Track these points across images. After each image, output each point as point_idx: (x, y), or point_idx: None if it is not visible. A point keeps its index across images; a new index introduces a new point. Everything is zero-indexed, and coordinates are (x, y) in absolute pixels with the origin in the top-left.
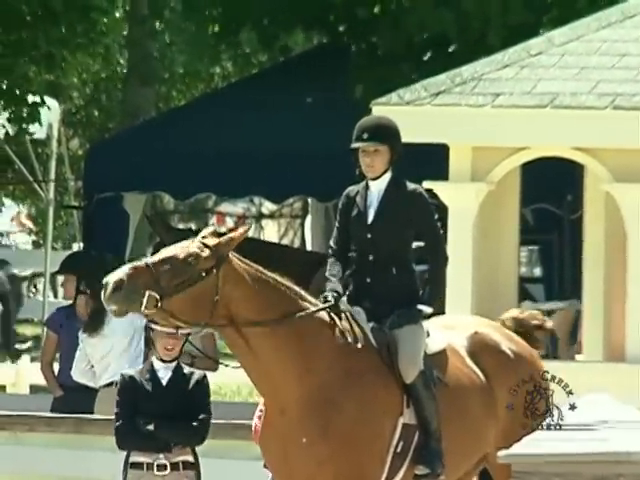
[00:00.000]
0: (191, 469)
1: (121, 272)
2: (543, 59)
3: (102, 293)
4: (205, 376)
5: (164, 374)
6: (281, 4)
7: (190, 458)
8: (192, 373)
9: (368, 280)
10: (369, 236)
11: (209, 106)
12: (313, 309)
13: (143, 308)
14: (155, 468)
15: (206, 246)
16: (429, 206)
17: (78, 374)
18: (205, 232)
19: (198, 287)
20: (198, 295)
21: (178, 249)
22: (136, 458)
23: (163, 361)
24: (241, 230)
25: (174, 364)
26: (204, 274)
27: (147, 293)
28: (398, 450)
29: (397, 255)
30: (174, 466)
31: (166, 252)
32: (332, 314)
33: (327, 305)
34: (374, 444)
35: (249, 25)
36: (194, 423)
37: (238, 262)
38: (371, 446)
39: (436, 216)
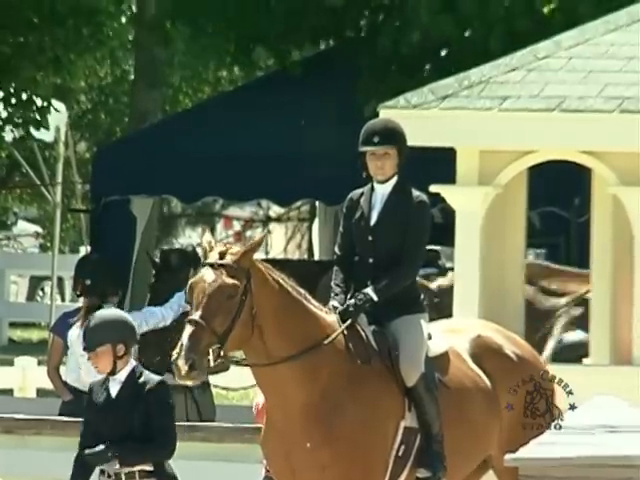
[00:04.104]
0: (148, 477)
1: (186, 347)
2: (550, 62)
3: (175, 371)
4: (161, 382)
5: (114, 386)
6: (290, 21)
7: (147, 467)
8: (146, 380)
9: (368, 283)
10: (370, 238)
11: (216, 110)
12: (336, 334)
13: (212, 364)
14: (110, 475)
15: (231, 267)
16: (425, 218)
17: (72, 378)
18: (208, 245)
19: (243, 313)
20: (244, 320)
21: (213, 287)
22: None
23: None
24: (259, 237)
25: (125, 375)
26: (244, 297)
27: (212, 351)
28: (400, 454)
29: (397, 259)
30: (129, 475)
31: (202, 295)
32: (340, 322)
33: (345, 326)
34: (377, 448)
35: (261, 44)
36: (159, 439)
37: (261, 267)
38: (374, 450)
39: (427, 232)
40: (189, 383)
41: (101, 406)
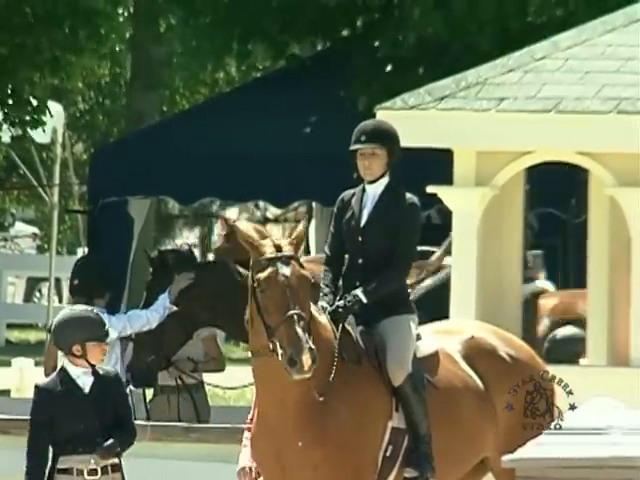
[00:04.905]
0: (117, 471)
1: (305, 341)
2: (547, 63)
3: (294, 366)
4: (118, 373)
5: (85, 381)
6: (287, 14)
7: (117, 460)
8: (107, 372)
9: (357, 284)
10: (360, 239)
11: (213, 111)
12: (338, 345)
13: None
14: (86, 473)
15: (298, 259)
16: (416, 220)
17: None
18: (254, 239)
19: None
20: None
21: (296, 280)
22: (64, 464)
23: (77, 365)
24: (302, 226)
25: (90, 370)
26: None
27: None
28: (388, 454)
29: (386, 260)
30: (104, 470)
31: (289, 289)
32: (332, 324)
33: (340, 331)
34: (367, 448)
35: (257, 36)
36: (129, 428)
37: None
38: (364, 450)
39: (418, 234)
40: (307, 377)
41: (77, 402)
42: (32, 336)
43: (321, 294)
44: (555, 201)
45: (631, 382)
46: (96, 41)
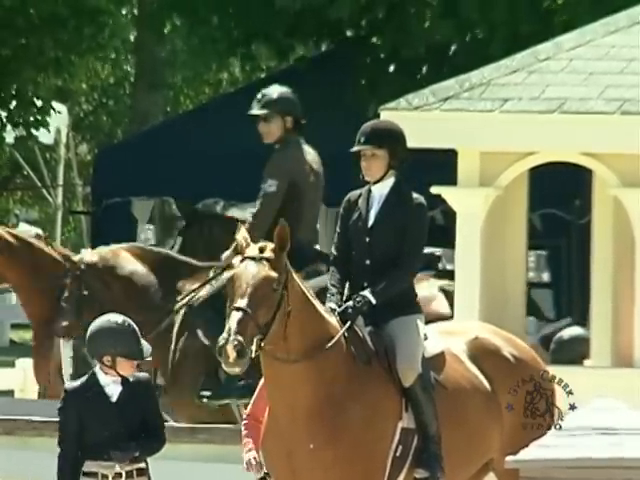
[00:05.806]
0: (143, 475)
1: (235, 332)
2: (551, 64)
3: (221, 357)
4: (149, 378)
5: (113, 389)
6: (291, 16)
7: (142, 465)
8: (137, 379)
9: (365, 285)
10: (367, 240)
11: (217, 111)
12: (338, 336)
13: (253, 355)
14: (110, 478)
15: (274, 261)
16: (423, 220)
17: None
18: (244, 240)
19: (282, 308)
20: (281, 314)
21: (257, 279)
22: (90, 468)
23: (107, 373)
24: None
25: (120, 377)
26: (284, 292)
27: (255, 341)
28: (398, 454)
29: (394, 261)
30: (128, 474)
31: (247, 286)
32: (341, 324)
33: (346, 328)
34: (377, 449)
35: (261, 40)
36: (157, 434)
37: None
38: (375, 451)
39: (425, 234)
40: (236, 370)
41: (103, 410)
42: None
43: (328, 294)
44: (559, 202)
45: (635, 383)
46: (99, 42)
